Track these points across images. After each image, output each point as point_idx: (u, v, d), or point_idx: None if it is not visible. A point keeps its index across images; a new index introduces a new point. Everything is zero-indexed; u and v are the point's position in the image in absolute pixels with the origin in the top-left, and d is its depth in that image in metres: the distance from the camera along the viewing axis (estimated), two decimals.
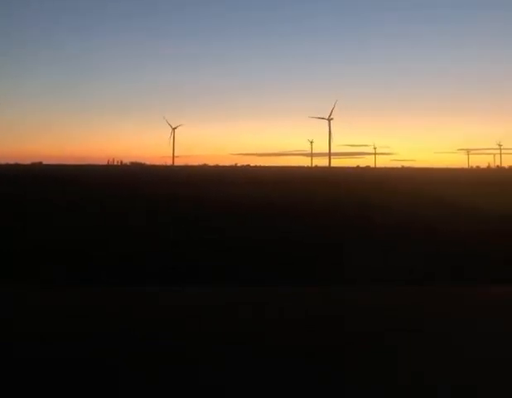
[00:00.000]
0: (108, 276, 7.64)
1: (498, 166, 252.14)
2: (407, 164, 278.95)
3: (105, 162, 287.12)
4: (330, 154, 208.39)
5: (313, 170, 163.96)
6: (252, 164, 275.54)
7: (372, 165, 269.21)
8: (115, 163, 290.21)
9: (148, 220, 15.27)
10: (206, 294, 5.41)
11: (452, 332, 3.93)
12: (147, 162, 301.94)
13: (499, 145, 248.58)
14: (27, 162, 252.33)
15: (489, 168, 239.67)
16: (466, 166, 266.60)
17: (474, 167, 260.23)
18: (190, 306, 4.85)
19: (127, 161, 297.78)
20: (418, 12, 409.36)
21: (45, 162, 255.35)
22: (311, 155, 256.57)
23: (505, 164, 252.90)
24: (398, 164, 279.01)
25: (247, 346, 3.60)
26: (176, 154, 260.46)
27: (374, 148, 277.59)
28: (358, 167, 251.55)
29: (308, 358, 3.35)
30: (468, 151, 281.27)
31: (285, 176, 79.15)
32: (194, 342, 3.74)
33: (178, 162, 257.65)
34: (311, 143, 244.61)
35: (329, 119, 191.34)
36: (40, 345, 3.66)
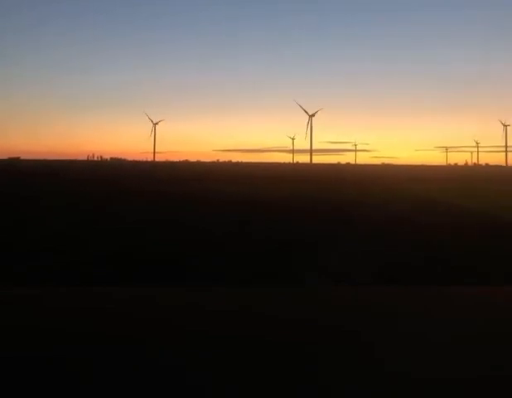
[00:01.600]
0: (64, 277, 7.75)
1: (475, 163, 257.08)
2: (386, 161, 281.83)
3: (85, 158, 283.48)
4: (311, 151, 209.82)
5: (294, 166, 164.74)
6: (234, 160, 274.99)
7: (352, 162, 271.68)
8: (95, 159, 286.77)
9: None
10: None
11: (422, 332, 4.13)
12: (128, 158, 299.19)
13: (477, 143, 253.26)
14: (4, 157, 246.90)
15: (466, 165, 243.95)
16: (444, 163, 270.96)
17: (452, 164, 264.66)
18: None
19: (107, 156, 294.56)
20: (398, 13, 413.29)
21: (23, 157, 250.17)
22: (293, 151, 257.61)
23: (482, 161, 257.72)
24: (378, 161, 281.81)
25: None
26: (157, 150, 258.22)
27: (355, 145, 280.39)
28: (339, 163, 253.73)
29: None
30: (446, 149, 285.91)
31: (266, 172, 79.32)
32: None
33: (159, 158, 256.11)
34: (293, 139, 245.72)
35: (311, 116, 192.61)
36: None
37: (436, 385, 2.94)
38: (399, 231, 13.30)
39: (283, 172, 76.62)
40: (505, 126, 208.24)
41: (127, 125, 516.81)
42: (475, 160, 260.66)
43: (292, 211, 18.04)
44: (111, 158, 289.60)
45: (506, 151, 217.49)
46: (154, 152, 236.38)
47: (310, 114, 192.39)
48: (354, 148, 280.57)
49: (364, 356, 3.39)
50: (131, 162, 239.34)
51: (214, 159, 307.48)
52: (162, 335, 3.95)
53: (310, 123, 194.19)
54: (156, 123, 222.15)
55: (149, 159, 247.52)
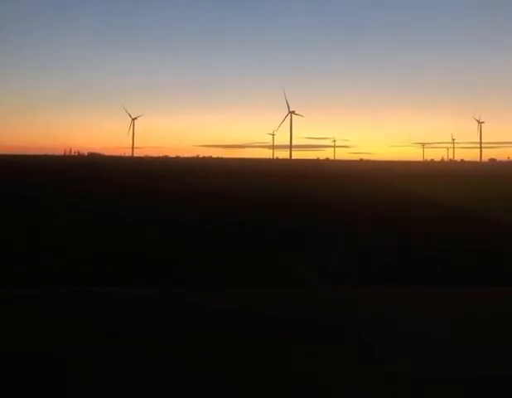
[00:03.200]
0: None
1: (451, 159, 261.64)
2: (365, 157, 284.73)
3: (62, 153, 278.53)
4: (291, 146, 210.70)
5: (273, 162, 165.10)
6: (214, 156, 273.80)
7: (331, 157, 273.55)
8: (72, 154, 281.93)
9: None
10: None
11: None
12: (106, 153, 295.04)
13: (453, 139, 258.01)
14: None
15: (442, 161, 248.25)
16: (421, 159, 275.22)
17: (428, 160, 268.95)
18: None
19: (84, 151, 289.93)
20: (378, 12, 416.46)
21: None
22: (273, 147, 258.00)
23: (458, 157, 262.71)
24: (357, 157, 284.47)
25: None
26: (136, 145, 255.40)
27: (334, 141, 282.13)
28: (318, 159, 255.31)
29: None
30: (423, 145, 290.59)
31: (245, 167, 79.42)
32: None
33: (138, 153, 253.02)
34: (273, 135, 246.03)
35: (291, 112, 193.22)
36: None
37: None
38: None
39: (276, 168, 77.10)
40: (480, 123, 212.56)
41: (104, 120, 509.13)
42: (451, 156, 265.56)
43: (282, 208, 17.89)
44: (88, 153, 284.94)
45: (481, 147, 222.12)
46: (132, 148, 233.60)
47: (291, 110, 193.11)
48: (333, 143, 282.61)
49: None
50: (110, 157, 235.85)
51: (194, 155, 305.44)
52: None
53: (290, 118, 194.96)
54: (135, 118, 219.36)
55: (127, 154, 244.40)
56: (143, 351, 3.60)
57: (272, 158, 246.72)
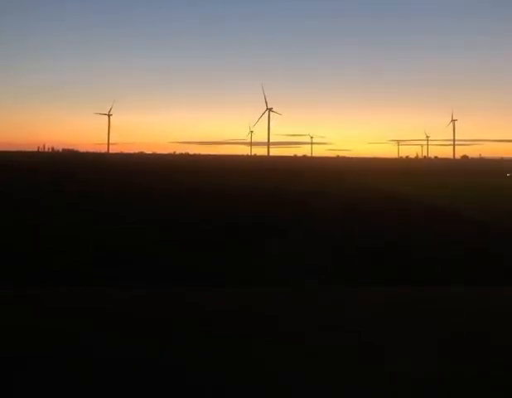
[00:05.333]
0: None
1: (425, 156, 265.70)
2: (342, 154, 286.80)
3: (35, 149, 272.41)
4: (269, 143, 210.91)
5: (251, 159, 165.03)
6: (191, 152, 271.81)
7: (309, 154, 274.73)
8: (46, 150, 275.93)
9: None
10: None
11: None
12: (81, 149, 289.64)
13: (427, 137, 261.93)
14: None
15: (416, 158, 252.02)
16: (396, 156, 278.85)
17: (403, 157, 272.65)
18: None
19: (59, 147, 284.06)
20: (356, 7, 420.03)
21: None
22: (251, 144, 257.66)
23: (431, 154, 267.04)
24: (334, 154, 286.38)
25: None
26: (111, 141, 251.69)
27: (311, 138, 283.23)
28: (295, 156, 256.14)
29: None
30: (398, 142, 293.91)
31: (223, 164, 79.18)
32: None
33: (114, 150, 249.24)
34: (251, 132, 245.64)
35: (269, 109, 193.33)
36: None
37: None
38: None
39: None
40: (453, 121, 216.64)
41: (79, 116, 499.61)
42: (425, 153, 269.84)
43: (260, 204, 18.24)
44: (63, 150, 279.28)
45: (454, 144, 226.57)
46: (108, 144, 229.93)
47: (269, 107, 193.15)
48: (310, 140, 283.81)
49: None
50: (85, 153, 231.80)
51: (171, 151, 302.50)
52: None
53: (268, 115, 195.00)
54: (110, 114, 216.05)
55: (103, 151, 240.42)
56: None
57: (250, 155, 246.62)
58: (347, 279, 7.85)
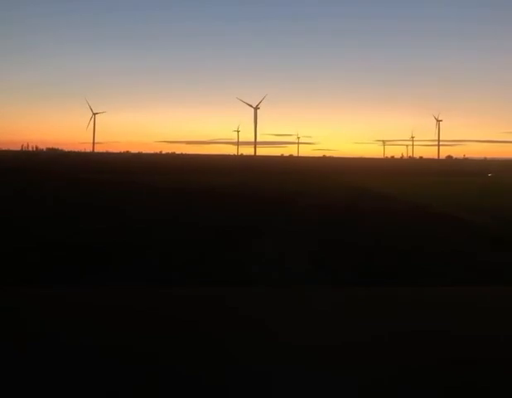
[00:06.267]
0: None
1: (410, 156, 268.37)
2: (328, 153, 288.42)
3: (19, 148, 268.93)
4: (255, 143, 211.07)
5: (237, 158, 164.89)
6: (178, 152, 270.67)
7: (295, 154, 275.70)
8: (30, 149, 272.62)
9: None
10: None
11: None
12: (65, 149, 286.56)
13: (412, 137, 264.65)
14: None
15: (402, 158, 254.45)
16: (381, 156, 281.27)
17: (389, 157, 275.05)
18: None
19: (42, 147, 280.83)
20: (336, 7, 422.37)
21: None
22: (238, 144, 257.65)
23: (417, 154, 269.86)
24: (320, 153, 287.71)
25: None
26: (97, 140, 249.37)
27: (298, 138, 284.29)
28: (282, 155, 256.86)
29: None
30: (384, 142, 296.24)
31: (208, 164, 79.07)
32: None
33: (99, 149, 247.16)
34: (238, 132, 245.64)
35: (255, 108, 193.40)
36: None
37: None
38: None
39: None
40: (438, 121, 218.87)
41: (63, 115, 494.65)
42: (410, 153, 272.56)
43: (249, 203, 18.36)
44: (47, 149, 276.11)
45: (438, 145, 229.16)
46: (93, 143, 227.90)
47: (254, 106, 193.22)
48: (297, 140, 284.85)
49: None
50: (68, 152, 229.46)
51: (157, 151, 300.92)
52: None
53: (255, 115, 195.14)
54: (96, 113, 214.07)
55: (88, 150, 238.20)
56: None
57: (237, 155, 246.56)
58: (325, 279, 7.93)
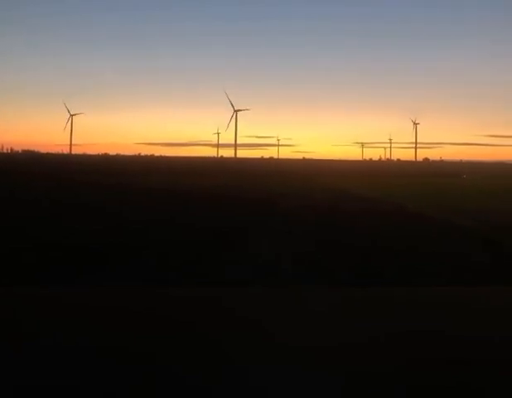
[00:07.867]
0: None
1: (388, 158, 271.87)
2: (307, 155, 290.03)
3: None
4: (236, 145, 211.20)
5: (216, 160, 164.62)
6: (157, 154, 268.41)
7: (275, 156, 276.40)
8: (5, 151, 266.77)
9: None
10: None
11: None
12: (41, 150, 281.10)
13: (390, 139, 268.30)
14: None
15: (380, 161, 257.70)
16: (360, 158, 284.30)
17: (367, 159, 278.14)
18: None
19: (18, 148, 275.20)
20: (319, 9, 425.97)
21: None
22: (218, 146, 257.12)
23: (394, 157, 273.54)
24: (300, 155, 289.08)
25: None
26: (74, 142, 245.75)
27: (278, 140, 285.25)
28: (262, 157, 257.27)
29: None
30: (362, 144, 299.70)
31: (190, 165, 78.83)
32: None
33: (76, 151, 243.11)
34: (218, 134, 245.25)
35: (236, 111, 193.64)
36: None
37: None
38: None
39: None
40: (415, 124, 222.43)
41: (39, 116, 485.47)
42: (388, 155, 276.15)
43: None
44: (23, 151, 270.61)
45: (416, 147, 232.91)
46: (71, 145, 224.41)
47: (235, 109, 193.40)
48: (277, 142, 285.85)
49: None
50: (47, 154, 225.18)
51: (136, 152, 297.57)
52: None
53: (235, 117, 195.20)
54: (74, 115, 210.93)
55: (65, 151, 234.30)
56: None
57: (217, 157, 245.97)
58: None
